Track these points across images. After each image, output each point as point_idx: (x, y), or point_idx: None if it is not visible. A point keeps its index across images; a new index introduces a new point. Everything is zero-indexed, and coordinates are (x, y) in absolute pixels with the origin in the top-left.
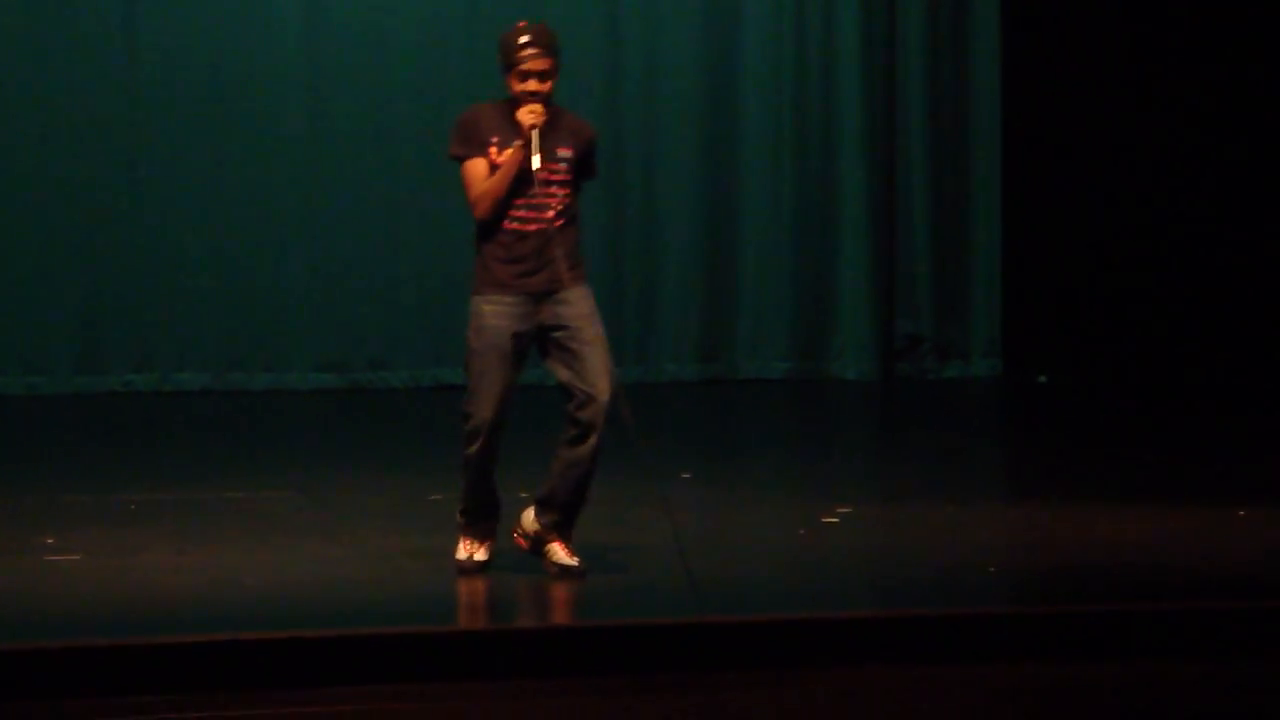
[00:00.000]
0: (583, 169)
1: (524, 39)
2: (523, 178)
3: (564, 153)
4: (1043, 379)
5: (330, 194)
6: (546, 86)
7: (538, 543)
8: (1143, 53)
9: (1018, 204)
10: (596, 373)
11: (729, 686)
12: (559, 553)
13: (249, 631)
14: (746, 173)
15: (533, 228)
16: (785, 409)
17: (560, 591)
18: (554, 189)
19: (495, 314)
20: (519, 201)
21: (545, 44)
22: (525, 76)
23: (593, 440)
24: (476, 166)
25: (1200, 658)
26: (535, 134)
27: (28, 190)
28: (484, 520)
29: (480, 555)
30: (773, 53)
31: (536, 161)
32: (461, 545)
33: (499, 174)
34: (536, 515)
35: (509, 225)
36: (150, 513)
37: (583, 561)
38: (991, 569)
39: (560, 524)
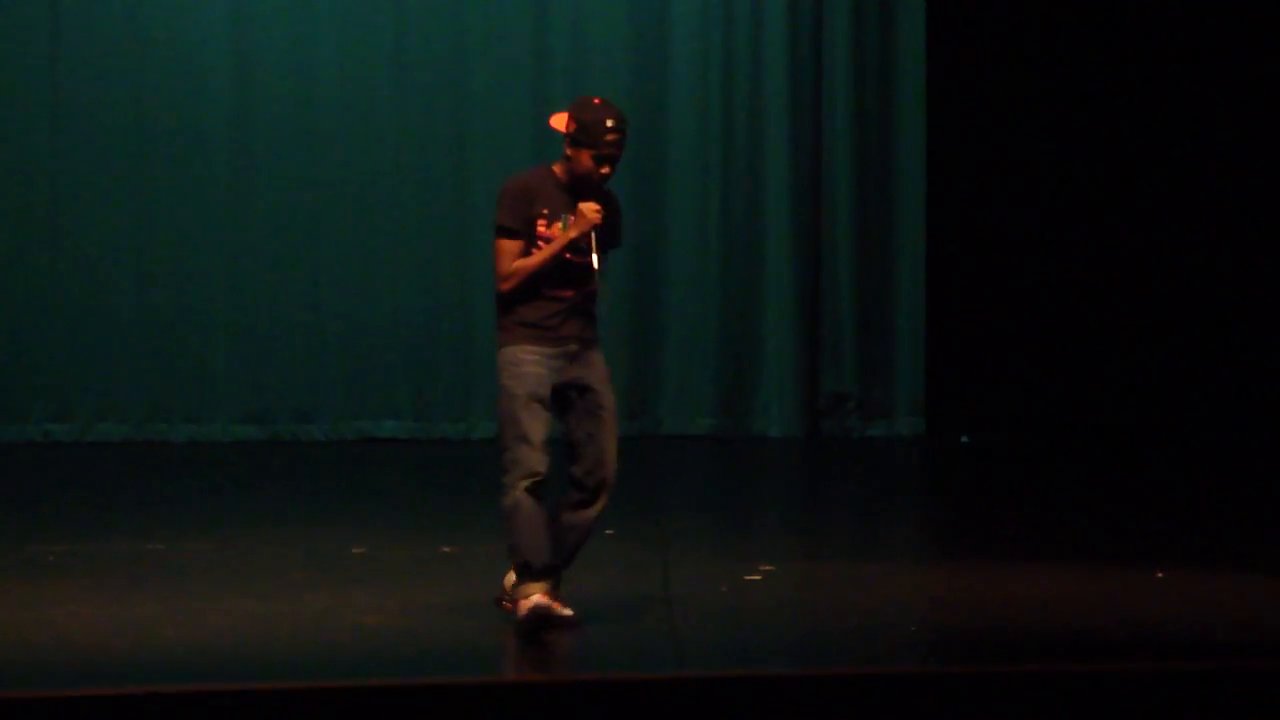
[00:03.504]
0: (610, 239)
1: (610, 122)
2: (569, 261)
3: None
4: (965, 439)
5: (253, 246)
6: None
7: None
8: (1070, 114)
9: (942, 264)
10: (608, 443)
11: None
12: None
13: (168, 684)
14: (672, 231)
15: (566, 295)
16: (709, 466)
17: (470, 648)
18: (586, 264)
19: (534, 362)
20: (554, 276)
21: (625, 130)
22: (603, 161)
23: (598, 507)
24: (513, 246)
25: (1121, 719)
26: (594, 233)
27: None
28: (556, 571)
29: (567, 609)
30: (699, 111)
31: (596, 261)
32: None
33: (542, 255)
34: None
35: (545, 292)
36: (69, 564)
37: (576, 613)
38: (913, 628)
39: (553, 581)
